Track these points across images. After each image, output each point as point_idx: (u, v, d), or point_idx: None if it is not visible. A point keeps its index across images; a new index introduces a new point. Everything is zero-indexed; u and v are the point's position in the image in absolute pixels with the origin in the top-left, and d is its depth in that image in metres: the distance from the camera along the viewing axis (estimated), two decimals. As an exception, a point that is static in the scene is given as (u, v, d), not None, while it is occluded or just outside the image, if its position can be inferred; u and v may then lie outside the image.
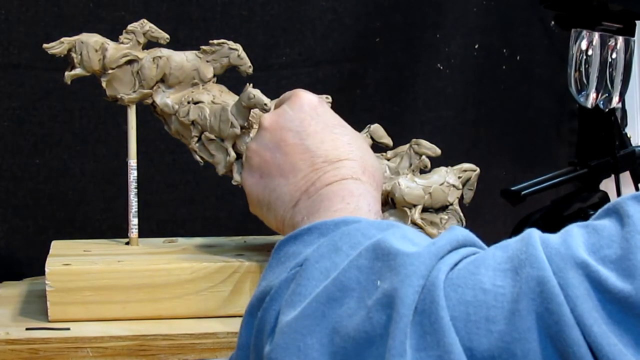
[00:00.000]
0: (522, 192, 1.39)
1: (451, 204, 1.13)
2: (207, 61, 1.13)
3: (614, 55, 1.23)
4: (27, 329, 0.98)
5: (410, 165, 1.14)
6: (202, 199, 1.57)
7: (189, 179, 1.56)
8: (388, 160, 1.15)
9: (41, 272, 1.07)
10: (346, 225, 0.78)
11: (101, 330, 0.98)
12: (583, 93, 1.24)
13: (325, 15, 1.63)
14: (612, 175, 1.92)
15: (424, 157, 1.14)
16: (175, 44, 1.17)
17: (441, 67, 1.75)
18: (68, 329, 0.98)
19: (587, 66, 1.23)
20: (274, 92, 1.11)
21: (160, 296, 1.02)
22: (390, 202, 1.13)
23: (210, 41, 1.14)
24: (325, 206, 0.89)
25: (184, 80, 1.13)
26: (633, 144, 1.99)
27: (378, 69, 1.69)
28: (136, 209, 1.14)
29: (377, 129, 1.15)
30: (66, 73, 1.13)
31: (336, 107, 1.67)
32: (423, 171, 1.14)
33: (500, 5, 1.79)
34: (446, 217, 1.13)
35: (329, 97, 1.15)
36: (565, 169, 1.51)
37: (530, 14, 1.85)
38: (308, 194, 0.92)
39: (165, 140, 1.18)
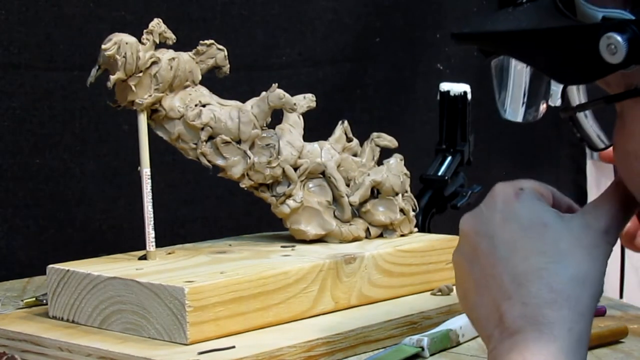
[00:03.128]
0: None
1: (406, 191, 1.19)
2: (196, 62, 1.11)
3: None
4: (199, 353, 0.92)
5: (373, 157, 1.19)
6: (202, 199, 1.57)
7: (189, 179, 1.56)
8: (355, 155, 1.18)
9: (42, 272, 1.07)
10: None
11: (267, 344, 0.94)
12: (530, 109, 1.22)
13: (325, 15, 1.63)
14: (613, 176, 1.91)
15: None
16: (176, 44, 1.16)
17: (441, 67, 1.75)
18: (233, 347, 0.94)
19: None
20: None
21: (271, 303, 1.01)
22: (375, 193, 1.16)
23: (201, 42, 1.12)
24: None
25: (183, 83, 1.10)
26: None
27: (378, 69, 1.69)
28: (153, 221, 1.07)
29: (380, 140, 1.19)
30: (111, 77, 1.05)
31: (336, 107, 1.68)
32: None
33: (500, 5, 1.79)
34: (403, 202, 1.18)
35: (313, 95, 1.16)
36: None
37: (530, 14, 1.85)
38: (501, 331, 0.77)
39: (165, 140, 1.18)
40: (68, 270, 1.02)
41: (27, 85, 1.46)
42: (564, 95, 0.82)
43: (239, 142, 1.10)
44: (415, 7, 1.70)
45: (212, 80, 1.14)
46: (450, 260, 1.12)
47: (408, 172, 1.19)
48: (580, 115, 0.82)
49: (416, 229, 1.19)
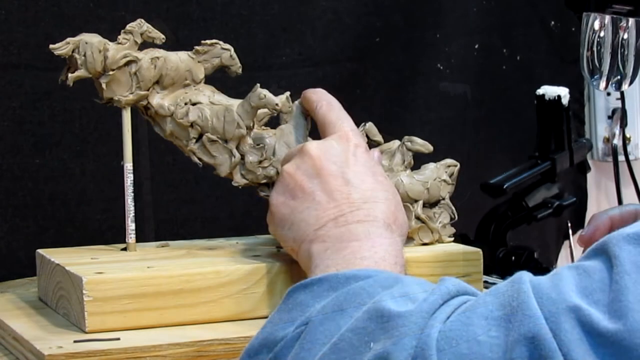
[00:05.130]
0: (505, 185, 1.40)
1: (443, 199, 1.16)
2: (199, 62, 1.12)
3: (625, 36, 1.21)
4: (75, 341, 0.93)
5: (404, 162, 1.16)
6: (202, 199, 1.57)
7: (189, 179, 1.56)
8: None
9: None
10: (356, 281, 0.79)
11: (154, 339, 0.95)
12: (596, 77, 1.22)
13: (325, 15, 1.63)
14: (613, 176, 1.92)
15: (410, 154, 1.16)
16: (176, 44, 1.17)
17: (441, 67, 1.75)
18: (118, 339, 0.95)
19: (599, 48, 1.21)
20: (274, 92, 1.11)
21: (196, 301, 1.01)
22: None
23: (203, 41, 1.13)
24: (353, 249, 0.89)
25: (177, 82, 1.11)
26: (631, 144, 1.99)
27: (378, 69, 1.69)
28: (133, 214, 1.11)
29: (371, 128, 1.16)
30: (69, 75, 1.09)
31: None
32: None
33: (500, 5, 1.79)
34: (439, 211, 1.16)
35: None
36: (530, 162, 1.50)
37: (530, 14, 1.85)
38: (336, 222, 0.93)
39: (165, 140, 1.18)
40: (43, 256, 1.09)
41: (27, 85, 1.46)
42: None
43: (226, 141, 1.11)
44: (415, 7, 1.70)
45: (213, 80, 1.15)
46: (465, 274, 1.11)
47: (450, 179, 1.16)
48: None
49: (451, 239, 1.16)
